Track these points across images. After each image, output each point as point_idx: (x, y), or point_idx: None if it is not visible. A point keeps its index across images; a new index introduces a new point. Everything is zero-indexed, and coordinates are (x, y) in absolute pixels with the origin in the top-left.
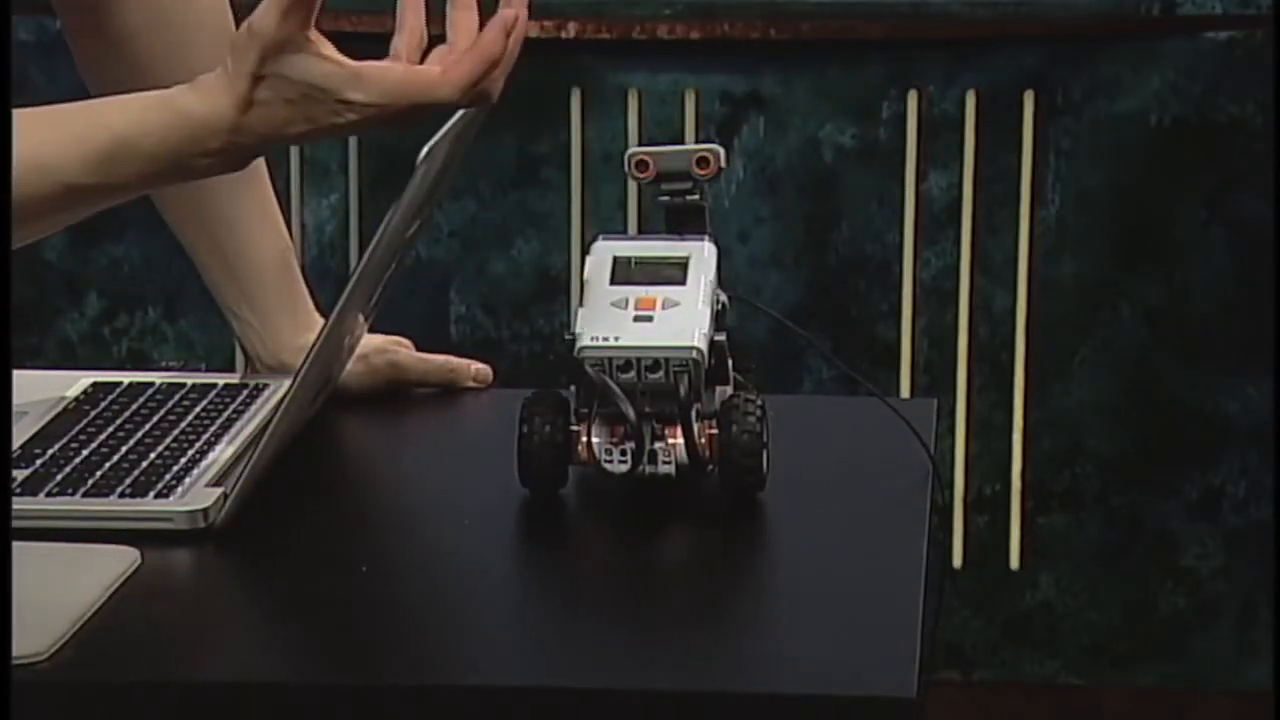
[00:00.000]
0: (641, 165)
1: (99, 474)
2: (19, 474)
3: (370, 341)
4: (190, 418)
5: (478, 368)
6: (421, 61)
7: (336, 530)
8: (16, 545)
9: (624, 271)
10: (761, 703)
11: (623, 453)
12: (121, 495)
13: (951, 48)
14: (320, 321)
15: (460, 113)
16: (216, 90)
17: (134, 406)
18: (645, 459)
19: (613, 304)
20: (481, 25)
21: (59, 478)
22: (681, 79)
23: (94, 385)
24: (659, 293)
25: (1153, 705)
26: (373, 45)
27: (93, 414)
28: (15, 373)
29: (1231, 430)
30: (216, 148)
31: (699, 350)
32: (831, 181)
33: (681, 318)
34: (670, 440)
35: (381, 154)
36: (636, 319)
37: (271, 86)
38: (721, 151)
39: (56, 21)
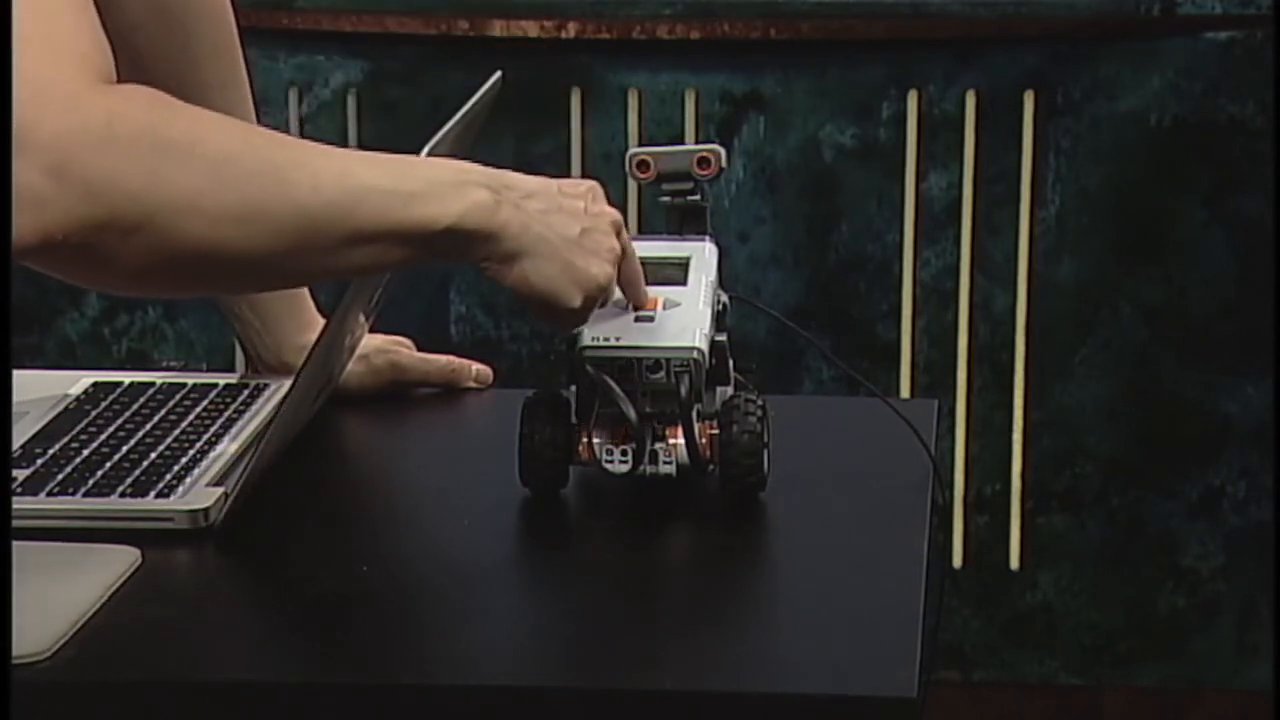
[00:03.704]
0: (642, 165)
1: (100, 474)
2: (19, 474)
3: (371, 342)
4: (191, 418)
5: (479, 368)
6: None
7: (337, 530)
8: (17, 545)
9: None
10: (761, 703)
11: (623, 453)
12: (122, 495)
13: (951, 48)
14: (321, 321)
15: (461, 112)
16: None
17: (134, 406)
18: (646, 459)
19: (614, 304)
20: None
21: (59, 477)
22: (681, 79)
23: (94, 385)
24: (660, 293)
25: (1153, 705)
26: (373, 45)
27: (93, 414)
28: (15, 373)
29: (1231, 430)
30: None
31: (700, 350)
32: (831, 181)
33: (682, 318)
34: (671, 440)
35: None
36: (637, 319)
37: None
38: (722, 151)
39: None
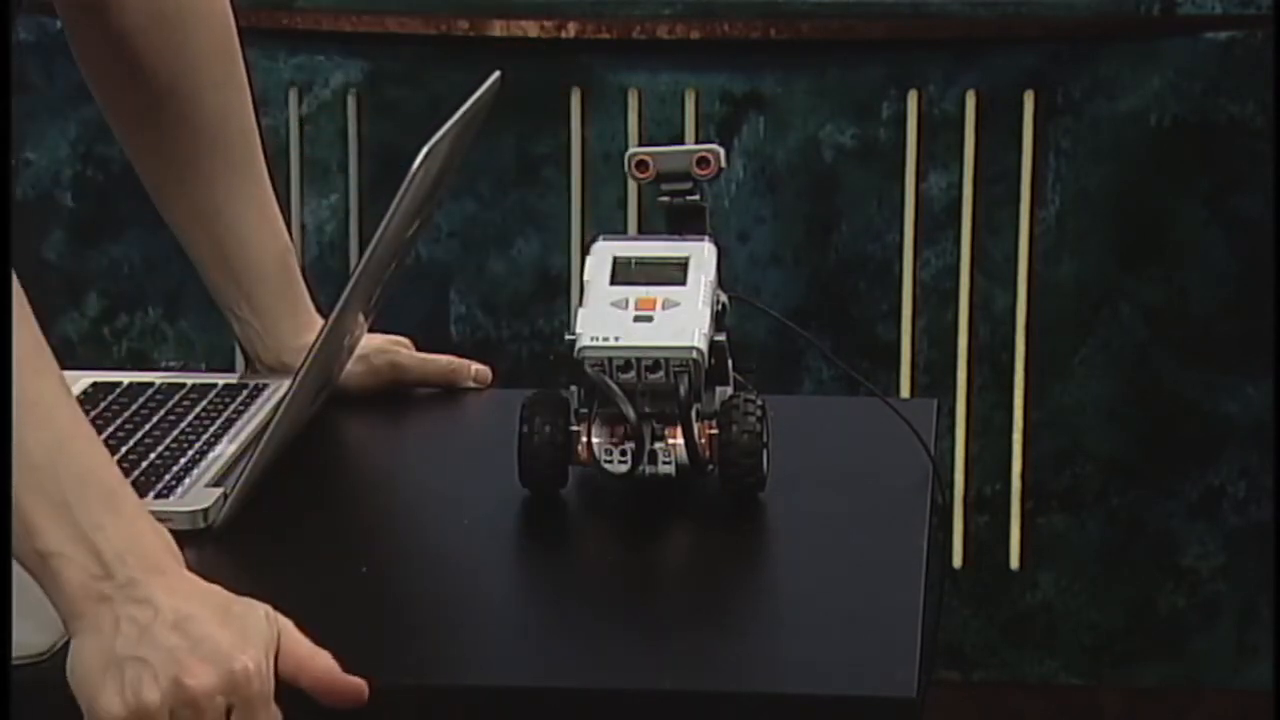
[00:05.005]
0: (641, 165)
1: None
2: None
3: (370, 341)
4: (190, 418)
5: (478, 368)
6: None
7: (336, 530)
8: None
9: (624, 272)
10: (761, 703)
11: (623, 453)
12: None
13: (951, 48)
14: (320, 321)
15: (460, 113)
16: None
17: (134, 406)
18: (645, 459)
19: (613, 304)
20: None
21: None
22: (681, 79)
23: (94, 385)
24: (659, 293)
25: (1153, 705)
26: (373, 45)
27: (93, 414)
28: None
29: (1231, 430)
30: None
31: (699, 350)
32: (831, 181)
33: (682, 318)
34: (670, 440)
35: (381, 154)
36: (637, 319)
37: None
38: (721, 151)
39: (56, 21)
